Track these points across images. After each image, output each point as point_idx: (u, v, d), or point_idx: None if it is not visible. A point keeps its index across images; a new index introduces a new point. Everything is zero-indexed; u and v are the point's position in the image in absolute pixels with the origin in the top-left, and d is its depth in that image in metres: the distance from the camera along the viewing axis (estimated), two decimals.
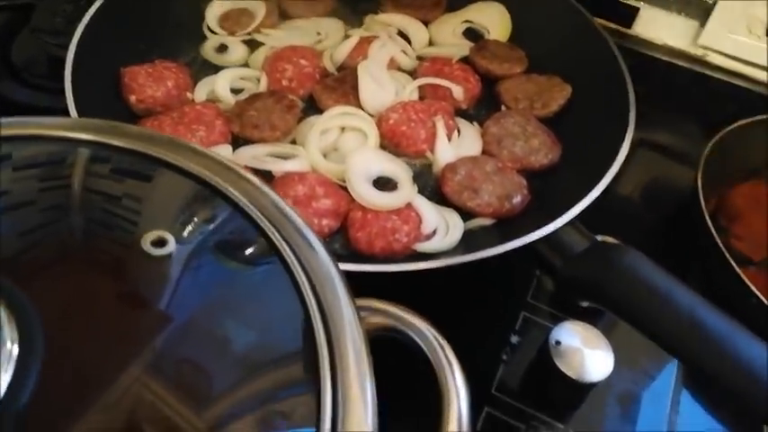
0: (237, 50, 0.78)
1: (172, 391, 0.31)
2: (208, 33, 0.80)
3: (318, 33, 0.80)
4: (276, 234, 0.37)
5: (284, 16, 0.83)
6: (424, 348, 0.36)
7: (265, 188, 0.40)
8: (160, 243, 0.37)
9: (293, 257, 0.36)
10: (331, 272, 0.36)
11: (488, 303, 0.66)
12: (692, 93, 0.92)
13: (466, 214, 0.64)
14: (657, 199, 0.83)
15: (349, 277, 0.37)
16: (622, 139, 0.63)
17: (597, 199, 0.58)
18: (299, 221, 0.39)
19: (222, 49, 0.78)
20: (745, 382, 0.42)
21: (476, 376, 0.60)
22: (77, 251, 0.38)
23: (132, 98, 0.68)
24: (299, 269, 0.36)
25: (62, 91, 0.61)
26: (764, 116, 0.75)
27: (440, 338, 0.36)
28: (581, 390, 0.57)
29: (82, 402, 0.29)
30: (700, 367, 0.45)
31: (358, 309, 0.35)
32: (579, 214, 0.57)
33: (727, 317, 0.45)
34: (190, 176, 0.41)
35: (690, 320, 0.45)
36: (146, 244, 0.37)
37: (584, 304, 0.56)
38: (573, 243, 0.54)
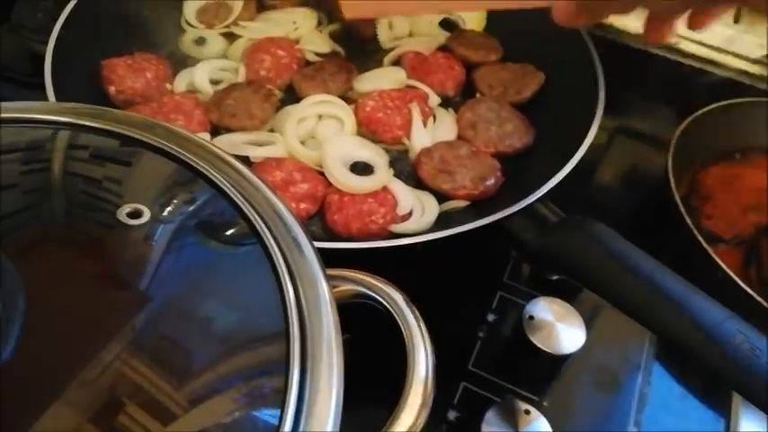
0: (216, 43, 0.79)
1: (151, 368, 0.32)
2: (186, 27, 0.81)
3: (294, 23, 0.81)
4: (254, 213, 0.39)
5: (261, 8, 0.84)
6: (391, 310, 0.37)
7: (244, 169, 0.41)
8: (136, 215, 0.38)
9: (269, 234, 0.37)
10: (305, 248, 0.37)
11: (466, 284, 0.67)
12: (665, 80, 0.94)
13: (442, 197, 0.65)
14: (636, 184, 0.85)
15: (326, 258, 0.39)
16: (591, 122, 0.64)
17: (567, 178, 0.59)
18: (273, 199, 0.40)
19: (201, 41, 0.79)
20: (703, 342, 0.44)
21: (453, 353, 0.62)
22: (59, 233, 0.39)
23: (112, 89, 0.69)
24: (275, 247, 0.37)
25: (44, 86, 0.62)
26: (733, 101, 0.77)
27: (406, 301, 0.37)
28: (554, 362, 0.58)
29: (62, 378, 0.30)
30: (661, 330, 0.46)
31: (330, 277, 0.37)
32: (554, 196, 0.58)
33: (687, 282, 0.47)
34: (170, 158, 0.42)
35: (650, 286, 0.46)
36: (121, 215, 0.38)
37: (554, 277, 0.58)
38: (542, 220, 0.56)
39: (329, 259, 0.41)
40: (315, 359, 0.31)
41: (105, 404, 0.31)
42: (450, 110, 0.74)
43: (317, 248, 0.51)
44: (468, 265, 0.68)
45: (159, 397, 0.31)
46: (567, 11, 0.48)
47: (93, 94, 0.70)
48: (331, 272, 0.38)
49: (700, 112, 0.75)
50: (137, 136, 0.42)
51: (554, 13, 0.49)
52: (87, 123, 0.43)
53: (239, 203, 0.38)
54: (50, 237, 0.38)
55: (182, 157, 0.41)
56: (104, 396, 0.30)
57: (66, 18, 0.69)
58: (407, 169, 0.69)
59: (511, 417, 0.53)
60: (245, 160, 0.65)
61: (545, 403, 0.59)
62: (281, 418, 0.28)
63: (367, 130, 0.70)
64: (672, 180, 0.69)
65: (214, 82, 0.74)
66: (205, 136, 0.67)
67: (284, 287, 0.34)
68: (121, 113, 0.45)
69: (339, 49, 0.80)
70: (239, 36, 0.80)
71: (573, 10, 0.47)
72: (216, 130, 0.69)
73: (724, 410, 0.62)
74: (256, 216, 0.38)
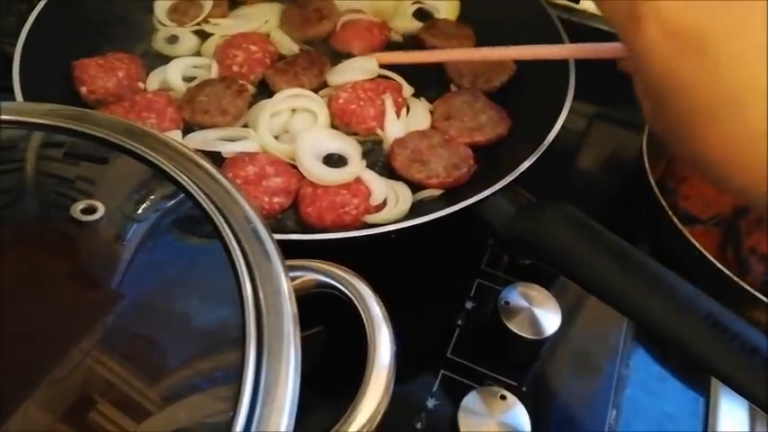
0: (188, 41, 0.79)
1: (122, 365, 0.32)
2: (158, 25, 0.81)
3: (266, 21, 0.81)
4: (213, 208, 0.39)
5: (233, 5, 0.84)
6: (353, 298, 0.37)
7: (205, 163, 0.42)
8: (98, 212, 0.38)
9: (227, 229, 0.37)
10: (264, 238, 0.37)
11: (444, 272, 0.68)
12: None
13: (416, 186, 0.65)
14: (615, 169, 0.85)
15: (300, 250, 0.39)
16: (562, 107, 0.64)
17: (547, 164, 0.60)
18: (233, 191, 0.40)
19: (173, 40, 0.79)
20: (674, 324, 0.44)
21: (432, 341, 0.62)
22: (28, 232, 0.39)
23: (83, 89, 0.69)
24: (233, 239, 0.37)
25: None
26: None
27: (368, 288, 0.38)
28: (531, 347, 0.59)
29: (32, 377, 0.30)
30: (630, 311, 0.47)
31: (291, 268, 0.37)
32: (533, 183, 0.59)
33: (657, 263, 0.47)
34: (129, 154, 0.42)
35: (619, 267, 0.46)
36: (86, 214, 0.38)
37: (527, 262, 0.58)
38: (514, 205, 0.56)
39: (303, 252, 0.41)
40: (271, 352, 0.31)
41: (73, 402, 0.31)
42: (423, 100, 0.74)
43: (289, 241, 0.51)
44: (445, 254, 0.68)
45: (123, 393, 0.31)
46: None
47: (64, 94, 0.70)
48: (291, 262, 0.38)
49: None
50: (104, 136, 0.43)
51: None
52: (55, 123, 0.43)
53: (198, 198, 0.39)
54: (17, 237, 0.38)
55: (142, 153, 0.41)
56: (78, 394, 0.31)
57: (35, 19, 0.69)
58: (381, 160, 0.69)
59: (488, 403, 0.53)
60: (218, 156, 0.65)
61: (524, 388, 0.59)
62: (234, 414, 0.28)
63: (340, 122, 0.70)
64: (646, 161, 0.69)
65: (187, 79, 0.74)
66: (177, 134, 0.67)
67: (242, 280, 0.34)
68: (89, 113, 0.45)
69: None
70: (211, 33, 0.79)
71: None
72: (189, 128, 0.69)
73: (703, 390, 0.62)
74: (216, 210, 0.38)
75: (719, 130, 0.36)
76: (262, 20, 0.81)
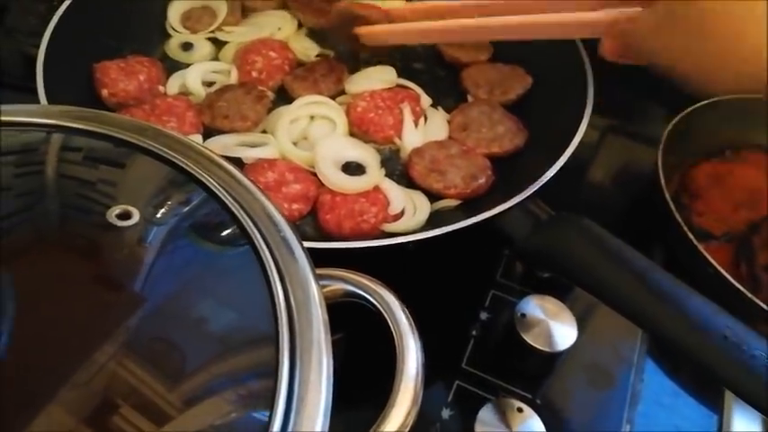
0: (203, 48, 0.79)
1: (142, 369, 0.32)
2: (171, 32, 0.81)
3: (279, 28, 0.82)
4: (244, 215, 0.39)
5: (245, 12, 0.84)
6: (381, 309, 0.37)
7: (234, 170, 0.42)
8: (125, 216, 0.38)
9: (258, 235, 0.37)
10: (294, 246, 0.37)
11: (459, 283, 0.68)
12: (656, 77, 0.94)
13: (433, 196, 0.66)
14: (628, 182, 0.85)
15: (319, 258, 0.39)
16: (581, 121, 0.65)
17: (559, 177, 0.60)
18: (263, 199, 0.40)
19: (187, 47, 0.79)
20: (691, 338, 0.44)
21: (447, 352, 0.62)
22: (53, 235, 0.39)
23: (104, 92, 0.69)
24: (265, 247, 0.37)
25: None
26: (722, 97, 0.77)
27: (397, 299, 0.38)
28: (547, 360, 0.59)
29: (54, 380, 0.30)
30: (649, 326, 0.47)
31: (320, 277, 0.37)
32: (546, 195, 0.59)
33: (674, 278, 0.47)
34: (160, 160, 0.42)
35: (639, 282, 0.47)
36: (112, 217, 0.38)
37: (546, 275, 0.58)
38: (532, 218, 0.56)
39: (322, 259, 0.41)
40: (303, 359, 0.31)
41: (97, 405, 0.31)
42: (441, 109, 0.75)
43: (309, 249, 0.51)
44: (460, 264, 0.68)
45: (151, 398, 0.31)
46: (611, 50, 0.52)
47: (85, 97, 0.70)
48: (321, 271, 0.38)
49: (689, 109, 0.76)
50: (128, 138, 0.43)
51: (601, 48, 0.53)
52: (78, 126, 0.43)
53: (229, 205, 0.39)
54: (42, 239, 0.39)
55: (172, 159, 0.41)
56: (101, 397, 0.31)
57: (58, 21, 0.69)
58: (399, 169, 0.69)
59: (504, 415, 0.54)
60: (238, 162, 0.65)
61: (538, 401, 0.59)
62: (270, 418, 0.29)
63: (359, 130, 0.70)
64: (662, 177, 0.69)
65: (206, 84, 0.74)
66: (197, 138, 0.67)
67: (273, 287, 0.34)
68: (112, 116, 0.45)
69: (328, 51, 0.80)
70: (225, 41, 0.80)
71: (618, 50, 0.51)
72: (208, 132, 0.69)
73: (717, 407, 0.62)
74: (246, 217, 0.38)
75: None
76: (275, 27, 0.82)
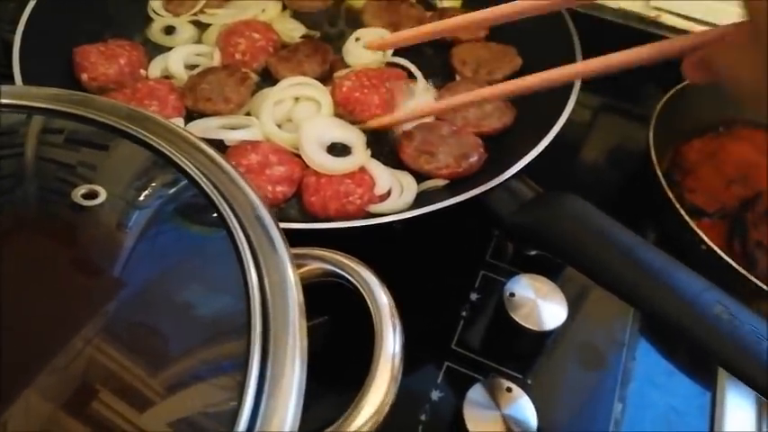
0: (185, 31, 0.78)
1: (124, 354, 0.31)
2: (153, 15, 0.80)
3: (263, 10, 0.80)
4: (219, 197, 0.38)
5: None
6: (360, 287, 0.36)
7: (212, 152, 0.41)
8: (91, 195, 0.37)
9: (233, 216, 0.37)
10: (269, 227, 0.37)
11: (448, 263, 0.67)
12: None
13: (420, 176, 0.65)
14: (621, 160, 0.84)
15: (304, 240, 0.38)
16: (569, 97, 0.64)
17: (552, 155, 0.59)
18: (242, 183, 0.39)
19: (170, 30, 0.78)
20: (683, 314, 0.43)
21: (436, 333, 0.61)
22: (32, 218, 0.38)
23: (84, 76, 0.68)
24: (238, 227, 0.36)
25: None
26: None
27: (375, 277, 0.37)
28: (537, 339, 0.58)
29: (34, 365, 0.29)
30: (640, 302, 0.46)
31: (297, 256, 0.36)
32: (538, 174, 0.58)
33: (665, 254, 0.46)
34: (134, 141, 0.41)
35: (628, 258, 0.46)
36: (88, 199, 0.37)
37: (533, 253, 0.57)
38: (520, 195, 0.55)
39: (307, 241, 0.40)
40: (277, 341, 0.31)
41: (76, 390, 0.30)
42: (430, 86, 0.73)
43: (293, 230, 0.50)
44: (450, 245, 0.67)
45: (129, 381, 0.30)
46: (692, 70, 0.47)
47: (66, 82, 0.69)
48: (298, 251, 0.37)
49: (680, 85, 0.75)
50: (107, 121, 0.42)
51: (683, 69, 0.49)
52: (58, 108, 0.43)
53: (204, 187, 0.38)
54: (20, 222, 0.38)
55: (145, 138, 0.40)
56: (80, 382, 0.30)
57: (35, 6, 0.68)
58: (386, 149, 0.68)
59: (494, 395, 0.53)
60: (220, 144, 0.64)
61: (529, 381, 0.58)
62: (240, 401, 0.28)
63: (344, 110, 0.69)
64: (653, 154, 0.69)
65: (189, 67, 0.73)
66: (179, 121, 0.66)
67: (246, 268, 0.33)
68: (92, 98, 0.44)
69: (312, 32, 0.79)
70: (208, 24, 0.79)
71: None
72: (191, 115, 0.68)
73: (710, 384, 0.61)
74: (221, 198, 0.38)
75: None
76: (258, 9, 0.80)
